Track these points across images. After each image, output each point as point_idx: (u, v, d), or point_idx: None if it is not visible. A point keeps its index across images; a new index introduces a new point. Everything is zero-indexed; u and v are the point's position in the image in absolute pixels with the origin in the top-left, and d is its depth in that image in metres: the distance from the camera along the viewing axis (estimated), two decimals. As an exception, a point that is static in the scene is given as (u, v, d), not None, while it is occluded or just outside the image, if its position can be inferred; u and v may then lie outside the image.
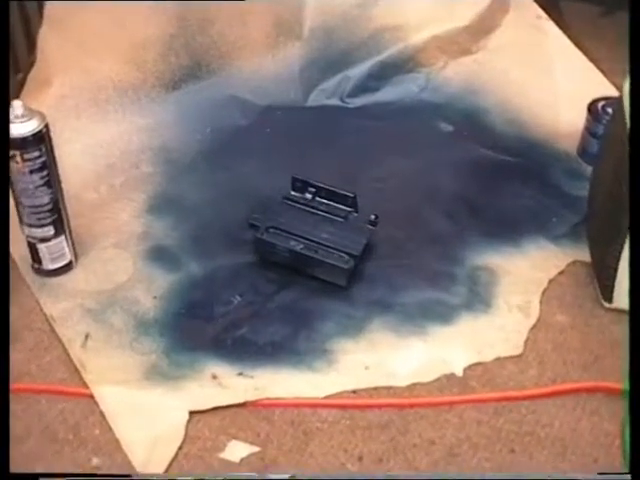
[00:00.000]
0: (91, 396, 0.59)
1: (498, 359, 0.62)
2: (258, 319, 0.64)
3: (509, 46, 0.89)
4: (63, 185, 0.64)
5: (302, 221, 0.69)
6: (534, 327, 0.64)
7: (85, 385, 0.59)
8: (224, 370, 0.60)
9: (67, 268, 0.66)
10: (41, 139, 0.61)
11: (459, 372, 0.61)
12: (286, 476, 0.54)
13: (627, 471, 0.50)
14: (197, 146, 0.79)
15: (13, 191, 0.62)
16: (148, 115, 0.79)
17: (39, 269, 0.66)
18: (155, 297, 0.65)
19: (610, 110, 0.73)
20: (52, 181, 0.63)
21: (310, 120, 0.83)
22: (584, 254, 0.68)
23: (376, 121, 0.83)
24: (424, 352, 0.62)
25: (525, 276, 0.68)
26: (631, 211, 0.55)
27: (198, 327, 0.63)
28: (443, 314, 0.65)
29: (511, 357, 0.62)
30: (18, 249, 0.65)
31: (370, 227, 0.69)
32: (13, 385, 0.56)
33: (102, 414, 0.58)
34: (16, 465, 0.52)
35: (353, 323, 0.64)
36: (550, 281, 0.67)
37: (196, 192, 0.74)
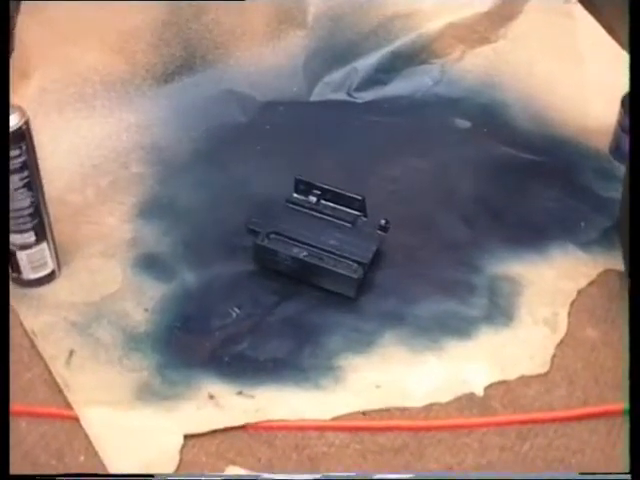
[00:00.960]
0: (76, 418, 0.59)
1: (522, 378, 0.62)
2: (258, 333, 0.65)
3: (533, 34, 0.89)
4: (45, 187, 0.64)
5: (306, 226, 0.69)
6: (562, 342, 0.64)
7: (69, 406, 0.59)
8: (222, 389, 0.61)
9: (49, 278, 0.67)
10: (21, 137, 0.61)
11: (479, 392, 0.62)
12: (286, 476, 0.55)
13: (627, 471, 0.51)
14: (192, 145, 0.79)
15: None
16: (138, 111, 0.79)
17: (18, 279, 0.66)
18: (146, 309, 0.66)
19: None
20: (33, 183, 0.63)
21: (314, 116, 0.84)
22: (617, 262, 0.69)
23: (386, 117, 0.84)
24: (441, 369, 0.63)
25: (551, 286, 0.68)
26: (631, 211, 0.56)
27: (193, 342, 0.64)
28: (461, 328, 0.65)
29: (537, 376, 0.63)
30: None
31: (380, 233, 0.69)
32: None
33: (88, 438, 0.58)
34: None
35: (362, 337, 0.64)
36: (579, 292, 0.68)
37: (190, 194, 0.75)
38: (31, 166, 0.62)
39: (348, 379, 0.62)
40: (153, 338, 0.64)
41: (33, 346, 0.63)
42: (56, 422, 0.59)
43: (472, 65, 0.88)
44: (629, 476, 0.49)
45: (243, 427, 0.59)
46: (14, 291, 0.66)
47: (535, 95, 0.85)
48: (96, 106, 0.78)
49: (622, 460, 0.56)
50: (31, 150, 0.62)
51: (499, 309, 0.66)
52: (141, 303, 0.66)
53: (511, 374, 0.62)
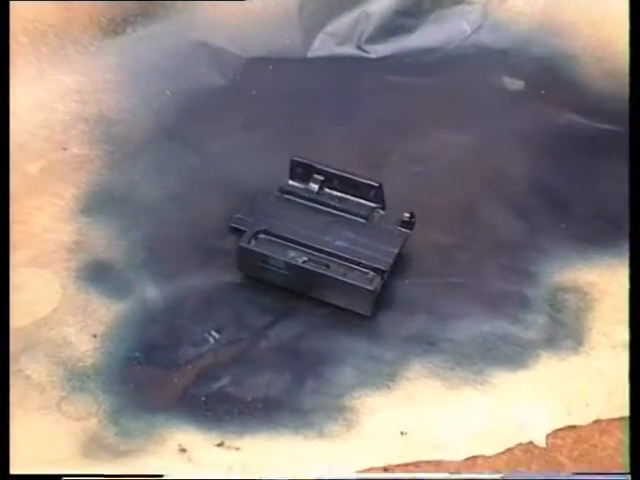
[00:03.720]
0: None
1: (598, 422, 0.63)
2: (245, 365, 0.65)
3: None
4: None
5: (305, 223, 0.70)
6: (649, 373, 0.65)
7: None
8: (196, 440, 0.61)
9: (-37, 296, 0.68)
10: None
11: (540, 441, 0.62)
12: (286, 476, 0.58)
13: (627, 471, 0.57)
14: (152, 116, 0.81)
15: None
16: (78, 72, 0.81)
17: None
18: (95, 336, 0.66)
19: None
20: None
21: (314, 77, 0.85)
22: None
23: (409, 77, 0.86)
24: (486, 411, 0.63)
25: (633, 298, 0.69)
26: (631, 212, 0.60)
27: (158, 378, 0.64)
28: (512, 355, 0.66)
29: (617, 419, 0.63)
30: None
31: (403, 230, 0.70)
32: None
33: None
34: None
35: (382, 369, 0.65)
36: (670, 306, 0.69)
37: (152, 183, 0.76)
38: None
39: (363, 423, 0.62)
40: (104, 374, 0.64)
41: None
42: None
43: (524, 4, 0.89)
44: (629, 476, 0.57)
45: (226, 489, 0.60)
46: None
47: (609, 44, 0.86)
48: (19, 65, 0.80)
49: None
50: None
51: (564, 330, 0.67)
52: (87, 327, 0.67)
53: (583, 417, 0.63)
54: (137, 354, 0.66)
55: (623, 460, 0.60)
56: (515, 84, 0.85)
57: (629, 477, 0.57)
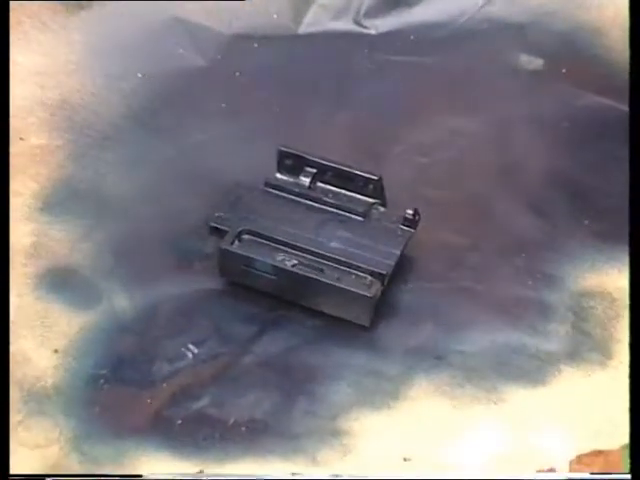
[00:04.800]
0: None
1: (628, 447, 0.63)
2: (227, 383, 0.65)
3: None
4: None
5: (295, 221, 0.70)
6: (687, 391, 0.65)
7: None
8: (171, 468, 0.61)
9: None
10: None
11: (563, 467, 0.62)
12: (286, 476, 0.60)
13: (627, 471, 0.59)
14: (122, 101, 0.80)
15: None
16: (38, 51, 0.81)
17: None
18: (56, 351, 0.66)
19: None
20: None
21: (306, 56, 0.85)
22: None
23: (414, 55, 0.85)
24: (501, 434, 0.63)
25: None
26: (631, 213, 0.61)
27: (128, 399, 0.64)
28: (530, 370, 0.66)
29: (650, 443, 0.63)
30: None
31: (406, 229, 0.70)
32: None
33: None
34: None
35: (382, 386, 0.65)
36: None
37: (121, 178, 0.76)
38: None
39: (362, 449, 0.62)
40: (67, 395, 0.64)
41: None
42: None
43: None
44: (629, 476, 0.59)
45: (205, 525, 0.60)
46: None
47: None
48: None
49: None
50: None
51: (589, 341, 0.67)
52: (48, 342, 0.66)
53: (610, 441, 0.63)
54: (104, 371, 0.66)
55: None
56: (533, 63, 0.85)
57: (629, 477, 0.59)
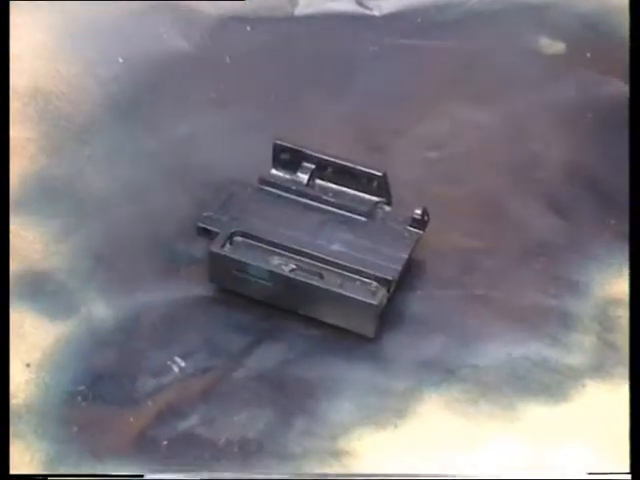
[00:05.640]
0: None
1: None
2: (217, 400, 0.65)
3: None
4: None
5: (293, 222, 0.70)
6: None
7: None
8: (158, 492, 0.61)
9: None
10: None
11: (586, 490, 0.62)
12: (287, 476, 0.61)
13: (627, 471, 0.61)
14: (101, 89, 0.80)
15: None
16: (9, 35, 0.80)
17: None
18: (28, 365, 0.66)
19: None
20: None
21: (303, 41, 0.86)
22: None
23: (422, 39, 0.86)
24: (518, 453, 0.63)
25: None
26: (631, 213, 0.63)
27: (108, 418, 0.64)
28: (551, 385, 0.66)
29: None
30: None
31: (414, 230, 0.70)
32: None
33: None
34: None
35: (388, 402, 0.65)
36: None
37: (101, 173, 0.76)
38: None
39: (365, 471, 0.62)
40: (40, 413, 0.64)
41: None
42: None
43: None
44: (629, 476, 0.60)
45: None
46: None
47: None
48: None
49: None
50: None
51: (615, 354, 0.67)
52: (19, 355, 0.66)
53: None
54: (82, 387, 0.65)
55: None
56: (554, 47, 0.85)
57: (629, 477, 0.60)
